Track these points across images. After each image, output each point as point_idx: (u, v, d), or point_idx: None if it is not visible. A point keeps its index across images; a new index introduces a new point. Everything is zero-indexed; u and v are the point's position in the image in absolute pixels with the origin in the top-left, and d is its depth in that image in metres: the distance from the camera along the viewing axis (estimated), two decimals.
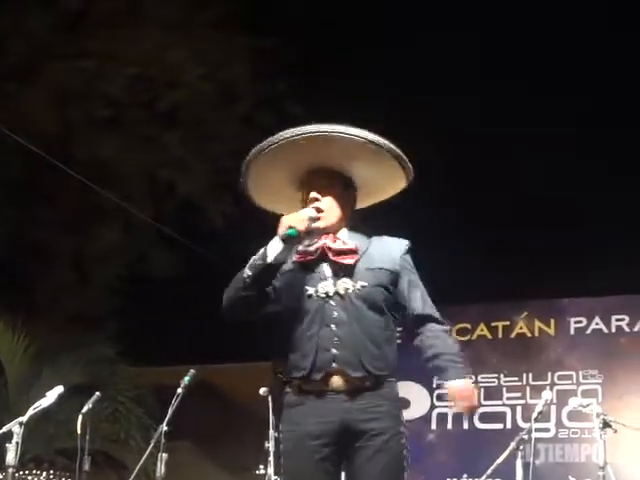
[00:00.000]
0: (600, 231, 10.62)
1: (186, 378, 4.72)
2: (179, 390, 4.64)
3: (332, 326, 3.14)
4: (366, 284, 3.18)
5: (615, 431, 5.09)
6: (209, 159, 10.74)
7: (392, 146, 3.25)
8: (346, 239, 3.25)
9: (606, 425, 5.06)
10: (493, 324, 8.41)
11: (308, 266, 3.24)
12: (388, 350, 3.21)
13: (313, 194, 3.23)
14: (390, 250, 3.27)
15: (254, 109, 10.58)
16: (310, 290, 3.20)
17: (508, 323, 8.36)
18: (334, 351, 3.12)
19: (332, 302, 3.17)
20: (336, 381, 3.12)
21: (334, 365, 3.11)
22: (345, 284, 3.19)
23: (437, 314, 3.33)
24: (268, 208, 3.54)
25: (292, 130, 3.23)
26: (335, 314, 3.15)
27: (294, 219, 3.12)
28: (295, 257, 3.25)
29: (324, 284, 3.20)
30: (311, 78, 10.39)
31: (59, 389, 5.24)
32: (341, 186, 3.29)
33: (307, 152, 3.24)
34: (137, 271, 10.83)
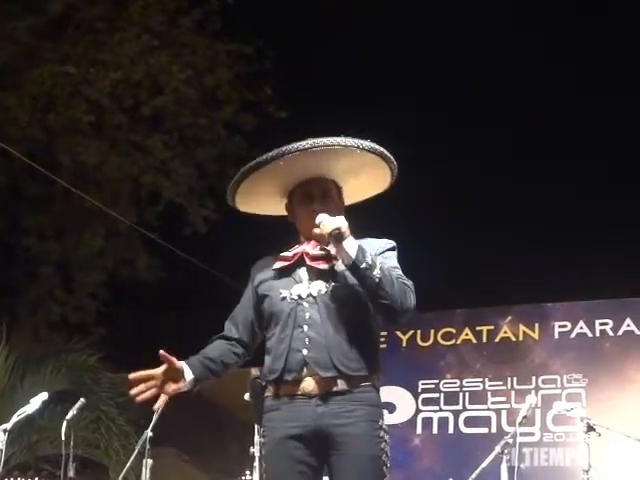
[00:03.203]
0: (584, 236, 10.67)
1: None
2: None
3: (304, 327, 3.14)
4: (339, 284, 3.16)
5: (599, 435, 5.11)
6: (193, 164, 10.73)
7: (389, 154, 3.26)
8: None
9: (590, 429, 5.07)
10: (478, 328, 8.41)
11: (286, 271, 3.25)
12: (365, 351, 3.14)
13: (318, 203, 3.22)
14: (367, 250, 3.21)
15: (238, 114, 10.59)
16: (284, 293, 3.21)
17: (493, 327, 8.37)
18: (305, 352, 3.10)
19: (305, 304, 3.17)
20: (308, 384, 3.10)
21: (305, 366, 3.10)
22: (319, 286, 3.18)
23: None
24: (250, 210, 3.53)
25: (303, 142, 3.17)
26: (307, 315, 3.15)
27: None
28: (276, 264, 3.28)
29: (298, 287, 3.20)
30: (295, 82, 10.41)
31: (43, 396, 5.21)
32: (335, 193, 3.30)
33: (306, 164, 3.21)
34: (121, 276, 10.80)
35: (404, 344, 8.54)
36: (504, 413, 8.01)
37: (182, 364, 3.18)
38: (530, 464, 7.70)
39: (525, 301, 8.59)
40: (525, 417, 5.32)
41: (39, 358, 8.67)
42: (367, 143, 3.20)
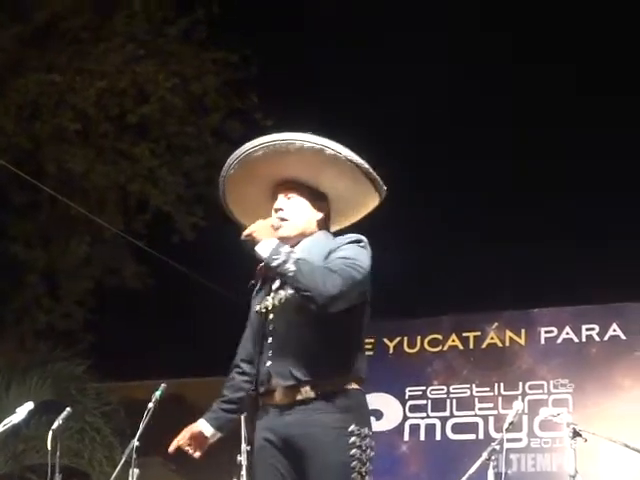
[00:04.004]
0: (570, 241, 10.71)
1: (157, 392, 4.68)
2: (150, 405, 4.60)
3: (269, 339, 3.16)
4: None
5: (585, 440, 5.11)
6: (180, 172, 10.72)
7: (352, 155, 3.20)
8: (300, 248, 3.21)
9: (576, 434, 5.08)
10: (464, 334, 8.45)
11: (261, 284, 3.29)
12: (331, 355, 3.07)
13: (277, 205, 3.25)
14: (325, 248, 3.18)
15: (225, 121, 10.59)
16: (257, 307, 3.25)
17: (479, 333, 8.40)
18: (268, 363, 3.13)
19: (271, 315, 3.19)
20: (277, 395, 3.11)
21: (271, 377, 3.11)
22: (281, 295, 3.18)
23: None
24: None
25: (250, 142, 3.25)
26: (272, 326, 3.17)
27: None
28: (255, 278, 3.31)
29: (267, 299, 3.22)
30: (282, 90, 10.42)
31: (29, 405, 5.19)
32: (306, 196, 3.28)
33: (268, 164, 3.24)
34: (107, 284, 10.77)
35: (391, 351, 8.57)
36: (491, 419, 8.04)
37: (200, 426, 3.32)
38: (517, 470, 7.72)
39: (511, 307, 8.62)
40: (512, 423, 5.32)
41: (24, 368, 8.64)
42: (303, 135, 3.19)
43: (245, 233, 3.14)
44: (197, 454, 3.34)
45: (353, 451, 3.02)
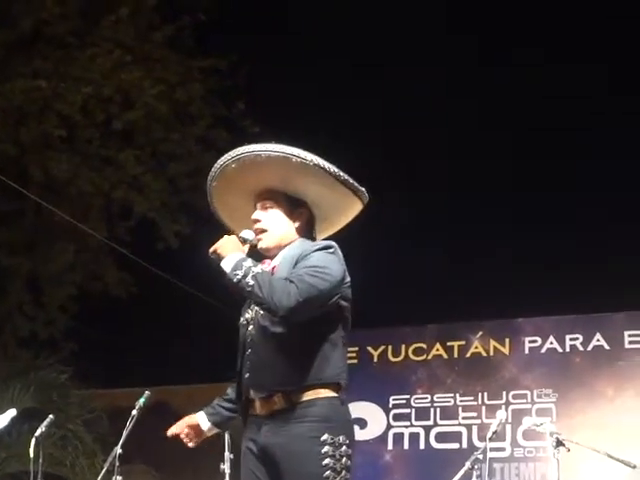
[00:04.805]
0: (554, 251, 10.74)
1: (141, 400, 4.67)
2: (134, 412, 4.59)
3: (248, 351, 3.19)
4: None
5: (568, 450, 5.13)
6: (165, 179, 10.70)
7: (321, 160, 3.20)
8: (280, 258, 3.24)
9: (559, 444, 5.09)
10: (449, 344, 8.46)
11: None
12: (304, 365, 3.06)
13: (254, 216, 3.29)
14: (293, 257, 3.18)
15: (210, 129, 10.58)
16: (241, 319, 3.28)
17: (464, 343, 8.42)
18: (246, 375, 3.16)
19: (250, 327, 3.22)
20: (257, 405, 3.14)
21: (249, 388, 3.15)
22: (257, 307, 3.18)
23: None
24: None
25: (226, 155, 3.30)
26: (250, 338, 3.20)
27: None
28: None
29: (248, 311, 3.26)
30: (269, 96, 10.43)
31: (12, 412, 5.16)
32: (284, 204, 3.30)
33: (242, 176, 3.29)
34: (91, 291, 10.73)
35: (375, 359, 8.57)
36: (475, 428, 8.05)
37: (197, 419, 3.43)
38: (501, 479, 7.73)
39: (496, 316, 8.65)
40: (495, 432, 5.34)
41: (7, 375, 8.59)
42: (271, 146, 3.21)
43: (210, 250, 3.17)
44: (192, 444, 3.43)
45: (326, 461, 2.99)
